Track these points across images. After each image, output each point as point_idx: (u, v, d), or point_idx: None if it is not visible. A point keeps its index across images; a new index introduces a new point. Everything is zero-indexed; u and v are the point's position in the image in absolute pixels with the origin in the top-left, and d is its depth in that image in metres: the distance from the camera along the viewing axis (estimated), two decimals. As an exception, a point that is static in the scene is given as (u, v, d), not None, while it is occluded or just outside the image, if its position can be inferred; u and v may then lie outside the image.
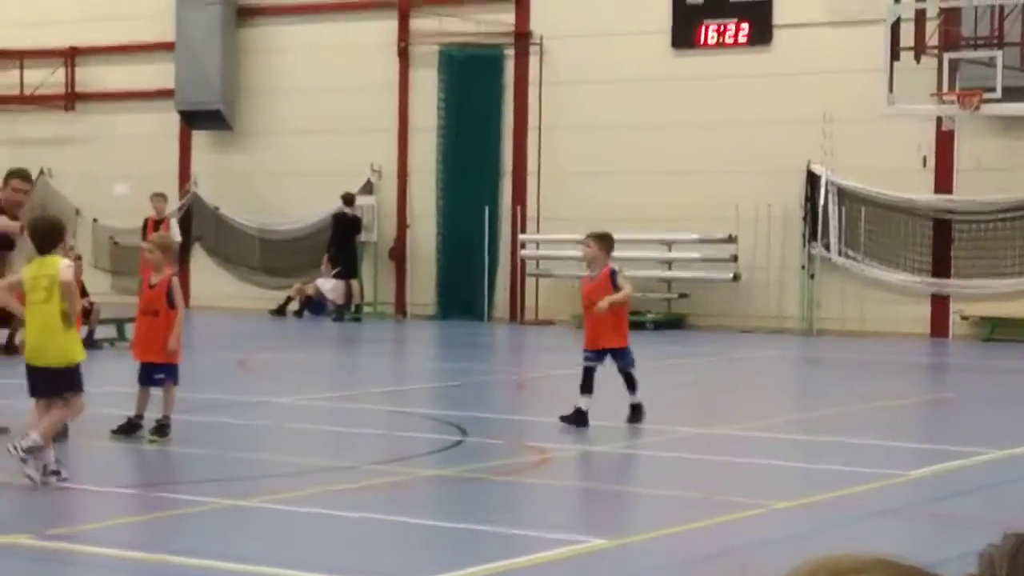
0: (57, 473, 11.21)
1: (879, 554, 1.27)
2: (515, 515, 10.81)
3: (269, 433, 14.41)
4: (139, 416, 13.62)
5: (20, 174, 15.84)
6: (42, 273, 11.57)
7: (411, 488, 11.79)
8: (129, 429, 13.51)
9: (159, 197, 26.03)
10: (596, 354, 15.01)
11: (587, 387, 14.79)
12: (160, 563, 9.07)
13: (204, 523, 10.38)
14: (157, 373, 13.55)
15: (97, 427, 13.44)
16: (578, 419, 14.74)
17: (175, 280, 13.79)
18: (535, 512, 11.06)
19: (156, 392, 13.62)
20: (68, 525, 10.10)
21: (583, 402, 14.77)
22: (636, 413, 15.04)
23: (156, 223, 25.72)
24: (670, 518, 10.53)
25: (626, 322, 15.31)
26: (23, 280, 11.70)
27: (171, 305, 13.54)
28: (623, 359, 14.96)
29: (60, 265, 11.72)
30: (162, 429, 13.51)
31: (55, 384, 11.57)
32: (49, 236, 11.83)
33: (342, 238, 30.80)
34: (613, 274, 14.94)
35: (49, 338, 11.48)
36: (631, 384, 15.00)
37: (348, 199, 30.94)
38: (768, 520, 10.28)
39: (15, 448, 11.14)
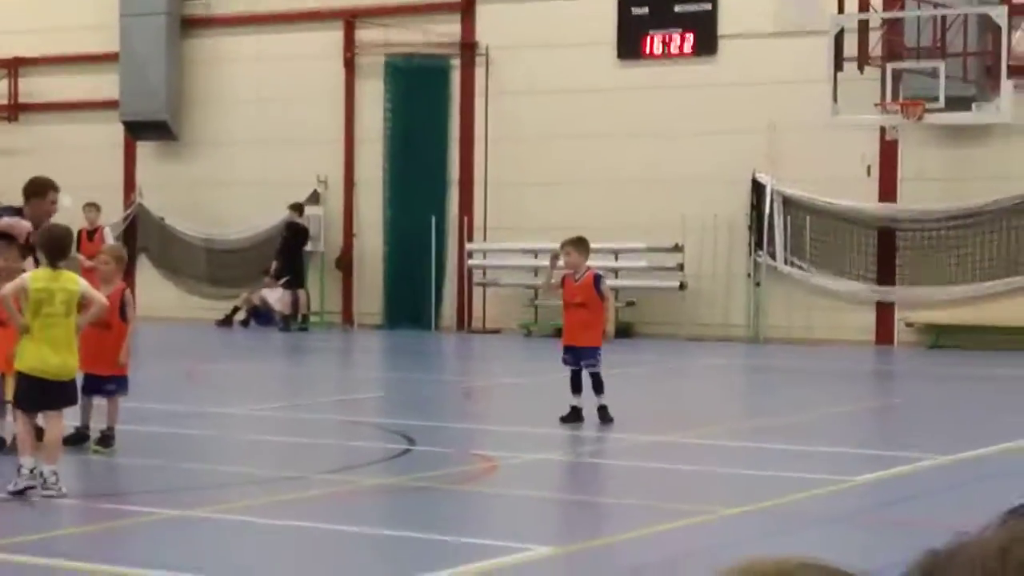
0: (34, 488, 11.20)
1: (804, 557, 1.28)
2: (463, 523, 10.81)
3: (216, 444, 14.35)
4: (85, 427, 13.53)
5: (56, 186, 15.39)
6: (58, 287, 11.45)
7: (359, 497, 11.77)
8: (76, 440, 13.38)
9: (91, 207, 25.92)
10: (573, 354, 15.60)
11: (576, 387, 15.53)
12: (107, 574, 9.01)
13: (151, 533, 10.33)
14: (107, 384, 13.45)
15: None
16: (574, 417, 15.42)
17: (128, 292, 13.71)
18: (483, 520, 11.06)
19: (99, 403, 13.56)
20: (11, 536, 10.01)
21: (576, 400, 15.48)
22: (603, 415, 15.43)
23: (90, 233, 25.58)
24: (617, 525, 10.56)
25: (601, 322, 15.79)
26: (28, 288, 11.46)
27: (123, 318, 13.46)
28: (592, 357, 15.47)
29: (79, 281, 11.75)
30: (107, 440, 13.43)
31: (60, 398, 11.56)
32: (61, 247, 11.74)
33: (291, 247, 30.71)
34: (597, 279, 15.71)
35: (65, 353, 11.46)
36: (598, 386, 15.37)
37: (298, 208, 30.85)
38: (716, 527, 10.31)
39: (45, 488, 11.12)
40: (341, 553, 9.87)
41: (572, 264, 15.72)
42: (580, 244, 15.86)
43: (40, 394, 11.44)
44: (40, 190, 14.70)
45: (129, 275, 33.38)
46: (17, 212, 14.61)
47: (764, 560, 1.27)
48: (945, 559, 1.26)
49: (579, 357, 15.56)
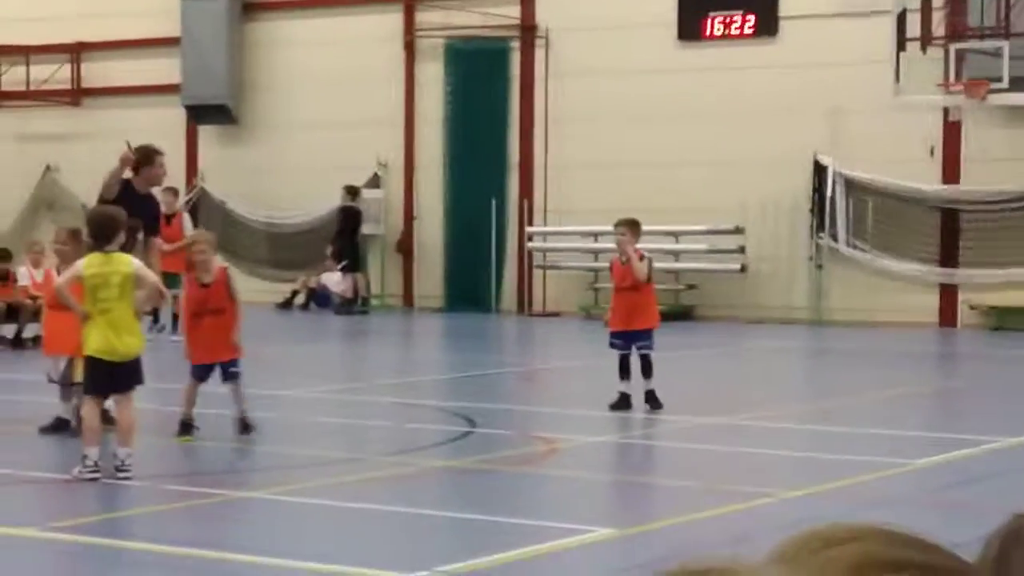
0: (96, 469, 11.26)
1: (875, 523, 1.27)
2: (523, 505, 10.82)
3: (279, 426, 14.42)
4: (190, 415, 13.44)
5: (161, 151, 15.43)
6: (112, 270, 11.52)
7: (420, 479, 11.80)
8: (187, 430, 13.34)
9: (169, 191, 26.01)
10: (624, 339, 15.27)
11: (625, 373, 15.27)
12: (168, 555, 9.08)
13: (214, 514, 10.40)
14: (230, 367, 13.35)
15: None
16: (623, 403, 15.18)
17: (229, 271, 13.61)
18: (543, 502, 11.07)
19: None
20: (77, 517, 10.11)
21: (624, 386, 15.25)
22: (651, 400, 15.19)
23: (168, 217, 25.70)
24: (678, 507, 10.55)
25: (655, 304, 15.63)
26: (83, 276, 11.52)
27: (232, 298, 13.43)
28: (647, 339, 15.26)
29: (132, 261, 11.81)
30: (247, 426, 13.34)
31: (128, 379, 11.63)
32: (108, 229, 11.75)
33: (347, 231, 30.78)
34: (643, 258, 15.51)
35: (125, 334, 11.53)
36: (648, 369, 15.17)
37: (353, 191, 30.92)
38: (776, 509, 10.28)
39: (120, 471, 11.20)
40: (403, 534, 9.90)
41: (623, 243, 15.58)
42: (633, 225, 15.75)
43: (108, 377, 11.51)
44: (148, 158, 14.71)
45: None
46: (126, 184, 14.60)
47: (835, 525, 1.27)
48: None
49: (632, 340, 15.29)
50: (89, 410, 11.54)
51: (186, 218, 25.61)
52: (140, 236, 14.13)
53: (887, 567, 1.21)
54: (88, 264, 11.59)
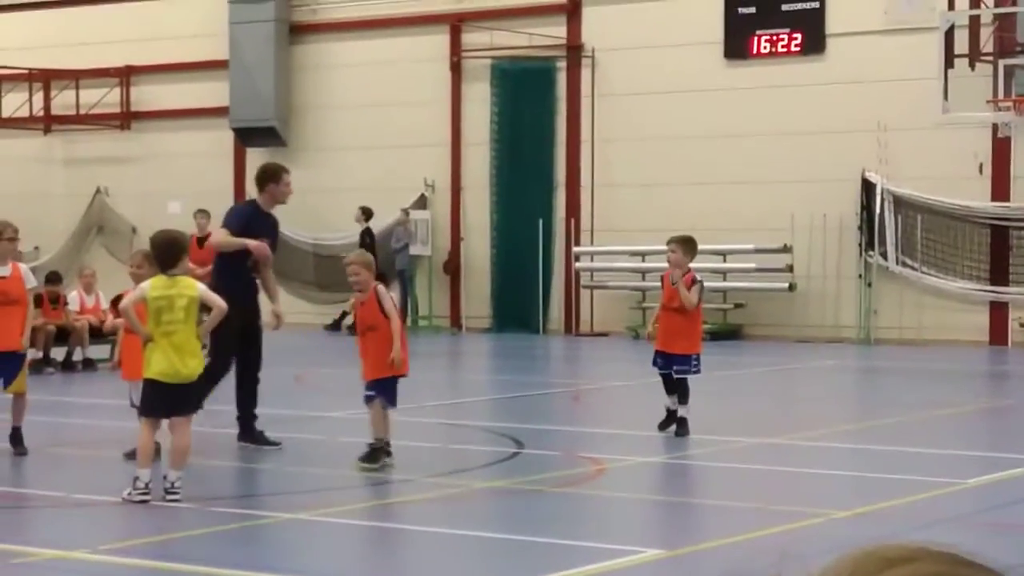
0: (147, 492, 11.29)
1: (928, 543, 1.26)
2: (572, 526, 10.79)
3: (326, 447, 14.44)
4: (382, 439, 13.02)
5: (287, 168, 15.30)
6: (178, 293, 11.58)
7: (468, 500, 11.79)
8: (377, 456, 12.94)
9: (201, 213, 26.19)
10: (664, 360, 15.18)
11: (670, 389, 15.18)
12: (219, 576, 9.11)
13: (262, 536, 10.42)
14: (368, 391, 13.01)
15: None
16: (671, 420, 15.11)
17: (381, 288, 13.17)
18: (592, 523, 11.04)
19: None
20: (127, 539, 10.15)
21: (670, 401, 15.17)
22: (681, 425, 15.00)
23: (200, 240, 25.83)
24: (728, 528, 10.49)
25: (699, 330, 15.52)
26: (147, 297, 11.58)
27: (386, 315, 13.02)
28: (684, 364, 15.08)
29: (197, 285, 11.89)
30: (372, 455, 12.93)
31: (188, 402, 11.67)
32: (173, 252, 11.83)
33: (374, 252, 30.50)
34: (693, 283, 15.21)
35: (187, 357, 11.57)
36: (683, 395, 15.03)
37: (367, 213, 30.69)
38: (827, 529, 10.22)
39: (169, 493, 11.24)
40: (451, 556, 9.89)
41: (674, 262, 15.33)
42: (687, 244, 15.43)
43: (166, 399, 11.54)
44: (274, 175, 14.69)
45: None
46: (251, 204, 14.62)
47: (888, 545, 1.26)
48: None
49: (672, 363, 15.11)
50: (145, 432, 11.56)
51: (216, 239, 25.61)
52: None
53: None
54: (153, 287, 11.65)
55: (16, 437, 13.75)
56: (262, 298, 14.62)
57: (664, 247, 15.94)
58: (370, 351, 12.95)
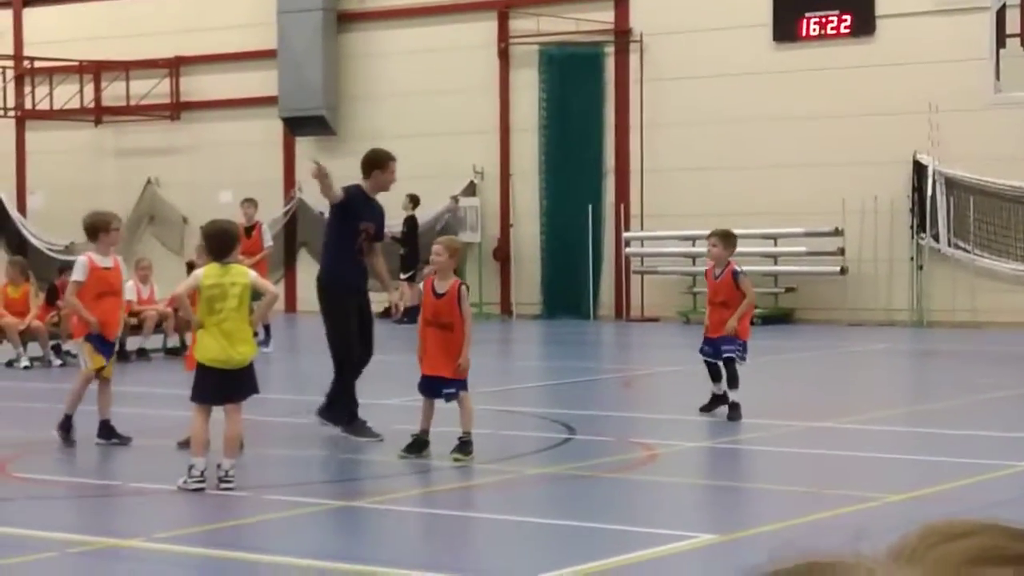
0: (202, 480, 11.34)
1: (994, 519, 1.25)
2: (625, 512, 10.79)
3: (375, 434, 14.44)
4: (425, 431, 12.86)
5: (393, 156, 15.32)
6: (230, 281, 11.67)
7: (520, 486, 11.79)
8: (419, 447, 12.89)
9: (248, 203, 26.27)
10: (712, 345, 15.21)
11: (716, 376, 15.22)
12: (270, 564, 9.14)
13: (316, 524, 10.45)
14: (447, 388, 12.77)
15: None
16: (714, 403, 15.20)
17: (464, 288, 12.90)
18: (645, 508, 11.03)
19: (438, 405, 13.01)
20: (181, 528, 10.20)
21: (715, 387, 15.23)
22: (733, 410, 15.03)
23: (247, 229, 25.94)
24: (782, 512, 10.46)
25: (748, 319, 15.54)
26: (201, 285, 11.68)
27: (462, 315, 12.71)
28: (731, 345, 15.08)
29: (249, 273, 12.02)
30: (465, 446, 12.66)
31: (242, 388, 11.73)
32: (227, 241, 11.93)
33: (411, 241, 30.39)
34: (735, 275, 15.14)
35: (239, 344, 11.64)
36: (732, 378, 15.08)
37: (415, 200, 30.67)
38: (881, 513, 10.17)
39: (223, 482, 11.29)
40: (504, 542, 9.90)
41: (715, 256, 15.30)
42: (727, 238, 15.36)
43: (220, 385, 11.59)
44: (380, 162, 14.68)
45: (289, 269, 33.92)
46: (357, 188, 14.66)
47: (953, 520, 1.25)
48: None
49: (719, 346, 15.10)
50: (198, 420, 11.61)
51: (265, 229, 25.74)
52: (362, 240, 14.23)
53: (1005, 561, 1.19)
54: (207, 275, 11.75)
55: (109, 428, 13.88)
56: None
57: (710, 231, 15.94)
58: (440, 349, 12.73)
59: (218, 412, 11.78)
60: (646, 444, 13.65)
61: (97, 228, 14.07)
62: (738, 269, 15.26)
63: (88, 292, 13.80)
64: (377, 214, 14.59)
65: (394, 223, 32.04)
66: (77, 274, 13.91)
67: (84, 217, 14.30)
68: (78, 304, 13.79)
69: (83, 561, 9.46)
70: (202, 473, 11.29)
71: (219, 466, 11.35)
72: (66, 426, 13.75)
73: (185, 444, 12.24)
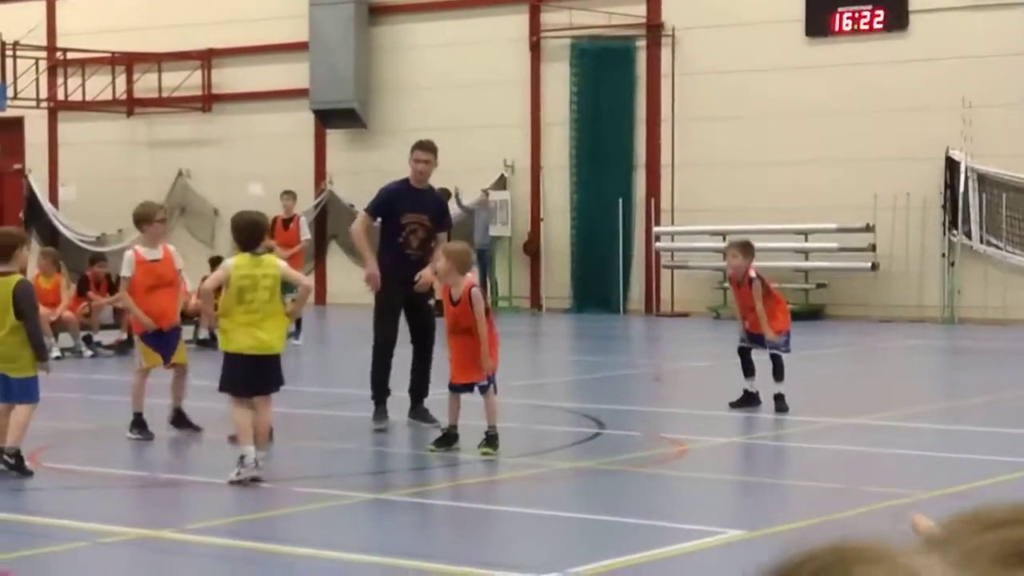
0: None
1: None
2: (655, 507, 10.77)
3: (406, 427, 14.48)
4: (454, 426, 12.88)
5: (421, 145, 15.69)
6: (262, 272, 11.69)
7: (550, 481, 11.79)
8: (448, 441, 12.90)
9: (288, 195, 26.29)
10: (751, 339, 15.38)
11: (748, 370, 15.27)
12: (298, 556, 9.15)
13: (344, 516, 10.46)
14: (479, 384, 12.73)
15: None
16: (745, 401, 15.27)
17: (476, 291, 12.74)
18: (674, 504, 11.02)
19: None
20: (210, 519, 10.22)
21: (748, 384, 15.29)
22: (778, 402, 15.13)
23: (285, 221, 25.95)
24: (812, 509, 10.43)
25: (779, 311, 15.59)
26: (231, 276, 11.67)
27: (476, 318, 12.60)
28: (775, 339, 15.20)
29: (279, 264, 12.03)
30: (492, 440, 12.65)
31: (269, 380, 11.72)
32: (256, 232, 11.97)
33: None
34: (751, 281, 15.24)
35: (268, 332, 11.64)
36: (778, 371, 15.16)
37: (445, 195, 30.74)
38: (911, 510, 10.12)
39: (253, 469, 11.29)
40: (533, 536, 9.89)
41: (736, 268, 15.39)
42: (746, 248, 15.46)
43: (248, 376, 11.58)
44: (411, 152, 15.26)
45: (320, 261, 33.97)
46: (402, 182, 14.82)
47: (996, 505, 1.24)
48: None
49: (760, 341, 15.29)
50: (237, 410, 11.61)
51: (303, 222, 25.76)
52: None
53: None
54: (237, 266, 11.76)
55: (182, 417, 13.93)
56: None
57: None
58: (467, 356, 12.70)
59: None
60: (676, 439, 13.63)
61: (141, 220, 14.20)
62: (753, 276, 15.30)
63: (138, 286, 13.83)
64: (428, 204, 14.64)
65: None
66: (124, 270, 13.97)
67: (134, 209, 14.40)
68: (131, 303, 13.84)
69: (114, 551, 9.49)
70: (255, 460, 11.28)
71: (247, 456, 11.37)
72: (138, 423, 13.74)
73: (235, 438, 12.22)
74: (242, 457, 11.33)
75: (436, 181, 16.22)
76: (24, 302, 11.79)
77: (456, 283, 12.73)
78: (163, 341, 13.84)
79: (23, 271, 12.28)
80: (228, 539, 9.68)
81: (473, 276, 13.49)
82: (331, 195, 34.21)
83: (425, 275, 14.02)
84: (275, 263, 11.96)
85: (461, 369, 12.75)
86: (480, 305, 12.67)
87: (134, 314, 13.95)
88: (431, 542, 9.78)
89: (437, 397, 13.95)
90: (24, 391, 11.77)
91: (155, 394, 13.95)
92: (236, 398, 11.65)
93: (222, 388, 11.76)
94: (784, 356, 15.24)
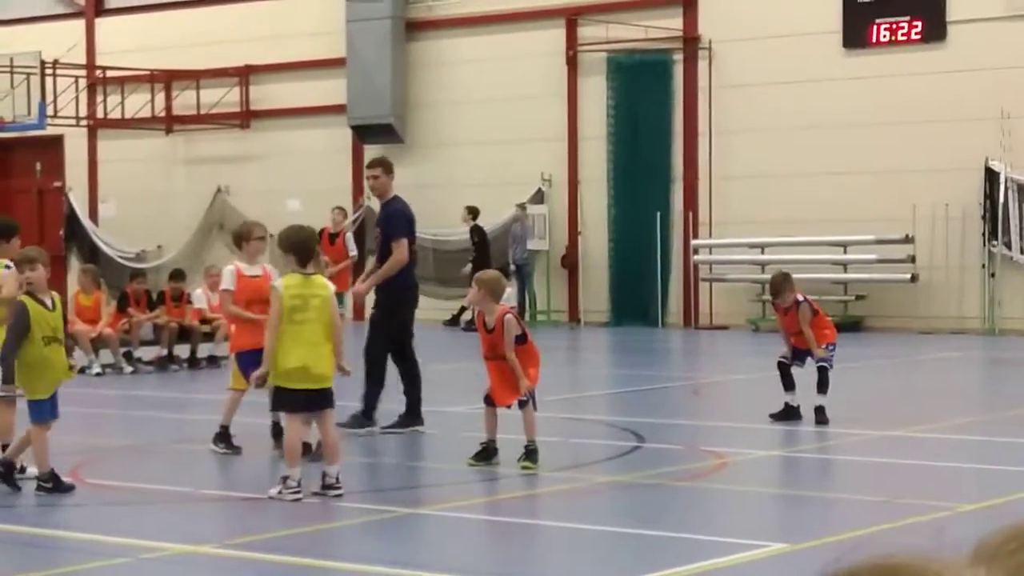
0: (299, 489, 11.35)
1: None
2: (695, 520, 10.74)
3: (444, 442, 14.49)
4: (492, 440, 12.94)
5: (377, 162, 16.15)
6: (311, 293, 11.60)
7: (589, 495, 11.77)
8: (488, 455, 12.94)
9: (338, 210, 26.32)
10: (795, 355, 15.54)
11: (788, 384, 15.34)
12: (339, 571, 9.16)
13: (385, 531, 10.46)
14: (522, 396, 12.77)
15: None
16: (785, 414, 15.32)
17: (510, 318, 12.81)
18: (715, 517, 10.98)
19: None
20: (250, 534, 10.24)
21: (789, 397, 15.34)
22: (819, 414, 15.18)
23: (332, 236, 25.99)
24: (852, 521, 10.39)
25: (822, 325, 15.71)
26: (282, 296, 11.54)
27: (509, 342, 12.69)
28: (826, 357, 15.37)
29: (328, 285, 11.98)
30: (532, 454, 12.69)
31: (326, 399, 11.62)
32: (312, 249, 11.99)
33: (478, 251, 30.42)
34: (798, 304, 15.45)
35: (323, 356, 11.56)
36: (822, 384, 15.22)
37: (474, 212, 30.85)
38: (953, 523, 10.08)
39: (331, 488, 11.32)
40: (573, 550, 9.88)
41: (787, 301, 15.56)
42: (786, 279, 15.73)
43: (292, 397, 11.55)
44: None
45: (358, 276, 33.98)
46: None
47: None
48: None
49: (802, 356, 15.46)
50: (292, 430, 11.58)
51: (349, 238, 25.81)
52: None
53: None
54: (287, 285, 11.67)
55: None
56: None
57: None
58: (504, 381, 12.75)
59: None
60: (716, 452, 13.60)
61: (240, 237, 14.45)
62: (800, 300, 15.51)
63: (237, 301, 13.82)
64: (380, 218, 15.26)
65: (462, 232, 32.20)
66: (226, 283, 14.01)
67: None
68: (237, 309, 13.76)
69: (157, 567, 9.52)
70: (299, 483, 11.28)
71: (325, 474, 11.36)
72: (223, 436, 13.73)
73: (317, 454, 12.19)
74: (285, 478, 11.32)
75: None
76: None
77: (490, 310, 12.79)
78: (256, 362, 13.79)
79: (34, 282, 11.94)
80: (269, 554, 9.69)
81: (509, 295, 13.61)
82: (369, 211, 34.23)
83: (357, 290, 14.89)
84: (325, 284, 11.85)
85: (500, 393, 12.83)
86: (511, 333, 12.69)
87: (241, 317, 13.61)
88: (471, 556, 9.77)
89: (474, 411, 13.94)
90: (33, 412, 11.71)
91: (200, 411, 13.98)
92: (291, 416, 11.63)
93: (278, 407, 11.76)
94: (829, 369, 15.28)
